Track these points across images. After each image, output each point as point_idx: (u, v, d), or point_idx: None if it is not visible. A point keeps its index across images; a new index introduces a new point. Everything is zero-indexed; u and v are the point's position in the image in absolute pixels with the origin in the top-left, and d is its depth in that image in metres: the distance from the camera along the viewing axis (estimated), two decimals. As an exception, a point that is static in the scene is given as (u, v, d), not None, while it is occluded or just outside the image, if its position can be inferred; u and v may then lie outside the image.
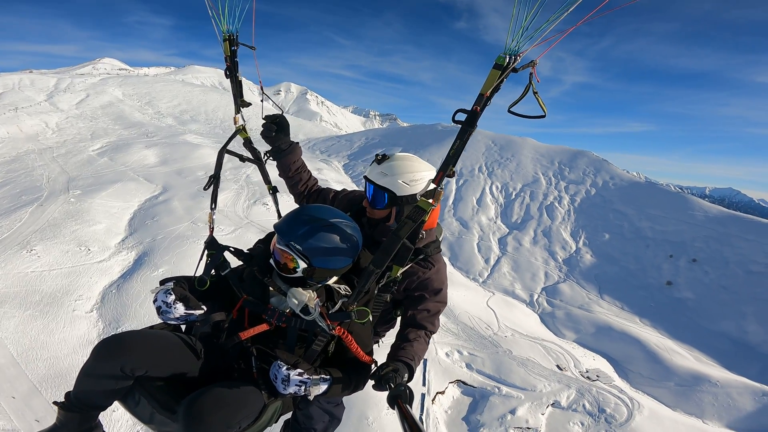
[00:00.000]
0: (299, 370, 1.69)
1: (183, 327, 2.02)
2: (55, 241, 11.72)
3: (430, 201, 1.60)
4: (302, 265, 1.83)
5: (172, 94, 50.08)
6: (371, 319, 1.94)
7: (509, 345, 13.44)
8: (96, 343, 1.70)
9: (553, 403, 10.79)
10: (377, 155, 2.10)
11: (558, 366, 12.72)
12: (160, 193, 16.88)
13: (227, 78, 2.16)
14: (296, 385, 1.67)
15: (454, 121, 1.47)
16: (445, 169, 1.57)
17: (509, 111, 1.44)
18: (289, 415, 2.26)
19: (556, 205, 38.40)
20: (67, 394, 1.73)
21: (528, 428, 9.79)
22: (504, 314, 16.58)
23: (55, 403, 1.72)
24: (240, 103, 2.20)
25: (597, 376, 12.58)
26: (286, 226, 1.84)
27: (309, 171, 2.49)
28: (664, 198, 38.30)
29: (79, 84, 42.68)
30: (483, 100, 1.43)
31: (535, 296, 27.92)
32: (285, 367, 1.68)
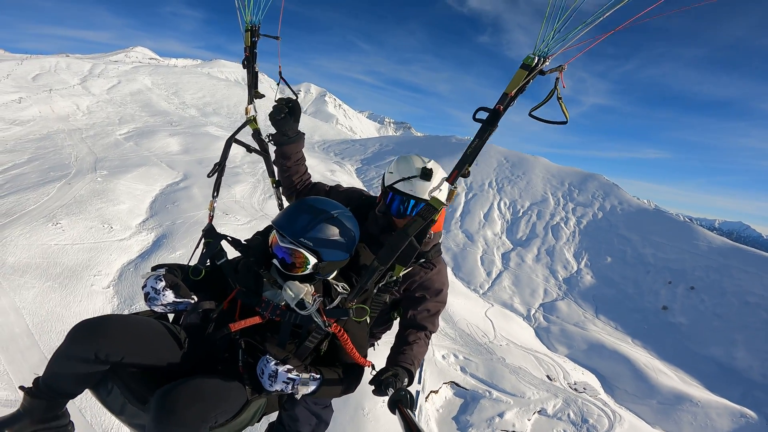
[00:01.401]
0: (288, 366, 1.61)
1: (171, 318, 1.93)
2: (80, 216, 12.24)
3: (443, 200, 1.58)
4: (312, 261, 1.76)
5: (197, 86, 51.12)
6: (368, 320, 1.89)
7: (503, 353, 13.90)
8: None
9: (539, 411, 11.24)
10: (424, 170, 1.98)
11: (548, 376, 13.17)
12: (181, 179, 17.51)
13: (244, 68, 2.13)
14: (284, 381, 1.59)
15: (474, 119, 1.43)
16: (461, 168, 1.53)
17: (530, 114, 1.39)
18: (274, 417, 2.19)
19: (562, 225, 38.78)
20: (36, 380, 1.63)
21: (514, 431, 10.24)
22: (501, 325, 17.04)
23: (21, 388, 1.62)
24: (254, 93, 2.18)
25: (584, 388, 13.01)
26: (292, 222, 1.76)
27: (306, 166, 2.40)
28: (669, 226, 38.53)
29: (112, 70, 43.80)
30: (506, 100, 1.39)
31: (533, 311, 28.42)
32: (273, 362, 1.61)
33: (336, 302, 1.77)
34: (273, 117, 2.13)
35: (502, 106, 1.39)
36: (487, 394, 11.38)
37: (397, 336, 2.25)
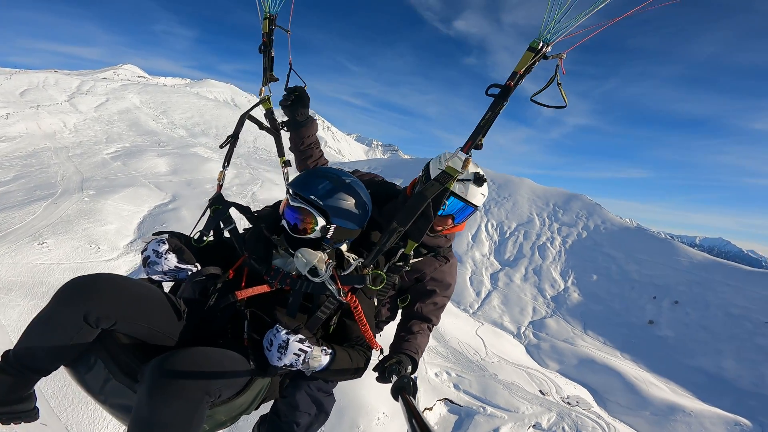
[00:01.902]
0: (300, 336, 1.49)
1: (167, 288, 1.80)
2: (66, 236, 12.10)
3: (458, 168, 1.61)
4: (321, 222, 1.69)
5: (186, 106, 51.25)
6: (376, 302, 1.85)
7: (495, 370, 13.88)
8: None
9: (534, 425, 11.17)
10: (477, 175, 1.99)
11: (540, 391, 13.15)
12: (170, 201, 17.41)
13: (260, 53, 2.22)
14: (294, 354, 1.46)
15: (487, 93, 1.50)
16: (475, 139, 1.57)
17: (532, 99, 1.49)
18: (266, 409, 2.05)
19: (548, 245, 39.46)
20: (5, 354, 1.40)
21: (510, 446, 10.15)
22: (492, 342, 17.04)
23: None
24: (268, 76, 2.23)
25: (577, 402, 13.01)
26: (305, 181, 1.74)
27: (321, 150, 2.43)
28: (652, 243, 39.55)
29: (100, 88, 43.73)
30: (516, 77, 1.48)
31: (523, 329, 28.58)
32: (284, 331, 1.48)
33: (352, 268, 1.69)
34: (282, 104, 2.21)
35: (512, 82, 1.48)
36: (482, 410, 11.31)
37: (400, 325, 2.24)
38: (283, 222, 1.73)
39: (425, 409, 10.71)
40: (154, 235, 1.71)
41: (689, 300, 32.44)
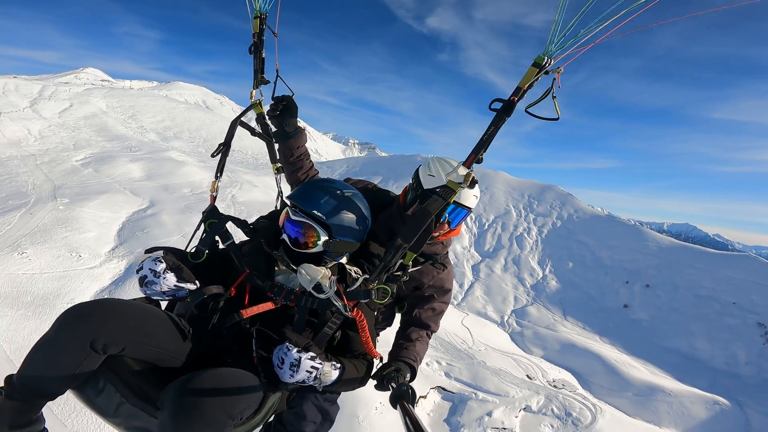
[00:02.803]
0: (312, 354, 1.49)
1: (163, 305, 1.76)
2: (45, 245, 11.79)
3: (459, 183, 1.60)
4: (323, 237, 1.66)
5: (156, 110, 49.85)
6: (375, 312, 1.84)
7: (483, 357, 14.34)
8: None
9: (524, 408, 11.66)
10: (474, 179, 1.85)
11: (527, 375, 13.71)
12: (148, 206, 17.04)
13: (250, 54, 2.14)
14: (307, 371, 1.47)
15: (490, 108, 1.52)
16: (477, 153, 1.58)
17: (526, 111, 1.51)
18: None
19: (525, 235, 40.73)
20: (8, 378, 1.38)
21: (504, 428, 10.57)
22: (478, 331, 17.54)
23: None
24: (259, 79, 2.15)
25: (563, 384, 13.62)
26: (306, 195, 1.69)
27: (311, 161, 2.36)
28: (621, 230, 41.39)
29: (63, 92, 42.16)
30: (520, 93, 1.49)
31: (506, 317, 29.45)
32: (296, 350, 1.48)
33: (358, 283, 1.69)
34: (269, 114, 2.13)
35: (517, 98, 1.49)
36: (473, 395, 11.70)
37: (399, 332, 2.22)
38: (284, 236, 1.70)
39: (420, 397, 11.00)
40: (147, 252, 1.64)
41: (659, 283, 34.12)
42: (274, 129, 2.19)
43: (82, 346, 1.28)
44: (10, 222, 12.82)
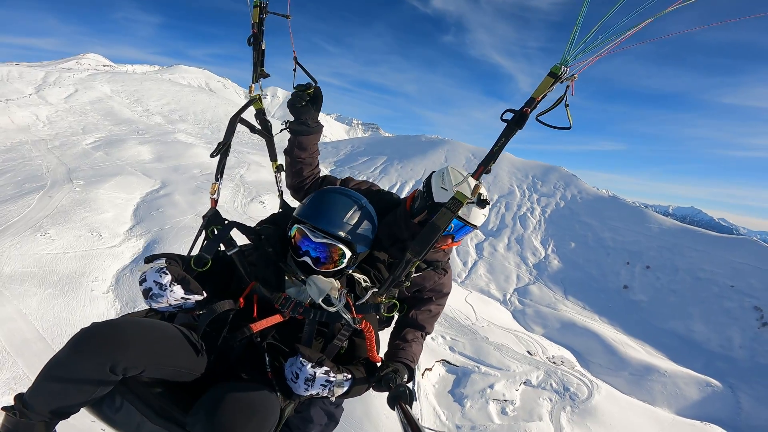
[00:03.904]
0: (326, 368, 1.49)
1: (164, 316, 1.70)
2: (67, 226, 12.21)
3: (468, 195, 1.59)
4: (348, 254, 1.64)
5: (160, 93, 49.49)
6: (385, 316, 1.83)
7: (486, 333, 14.96)
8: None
9: (525, 382, 12.30)
10: (483, 199, 1.89)
11: (528, 351, 14.33)
12: (161, 187, 17.44)
13: (249, 45, 2.01)
14: (321, 385, 1.48)
15: (502, 119, 1.48)
16: (486, 165, 1.56)
17: (537, 119, 1.46)
18: None
19: (529, 215, 41.07)
20: (19, 396, 1.35)
21: (505, 400, 11.23)
22: (480, 309, 18.16)
23: (3, 408, 1.36)
24: (259, 72, 2.03)
25: (562, 361, 14.24)
26: (326, 215, 1.64)
27: (318, 159, 2.28)
28: (624, 211, 41.50)
29: (67, 78, 42.17)
30: (533, 104, 1.44)
31: (508, 296, 29.97)
32: (310, 365, 1.47)
33: (367, 297, 1.68)
34: (293, 105, 1.93)
35: (530, 109, 1.44)
36: (476, 369, 12.32)
37: (394, 333, 2.22)
38: (305, 258, 1.65)
39: (426, 369, 11.63)
40: (147, 260, 1.58)
41: (659, 265, 34.43)
42: (289, 122, 2.02)
43: (102, 370, 1.26)
44: (30, 204, 13.22)
